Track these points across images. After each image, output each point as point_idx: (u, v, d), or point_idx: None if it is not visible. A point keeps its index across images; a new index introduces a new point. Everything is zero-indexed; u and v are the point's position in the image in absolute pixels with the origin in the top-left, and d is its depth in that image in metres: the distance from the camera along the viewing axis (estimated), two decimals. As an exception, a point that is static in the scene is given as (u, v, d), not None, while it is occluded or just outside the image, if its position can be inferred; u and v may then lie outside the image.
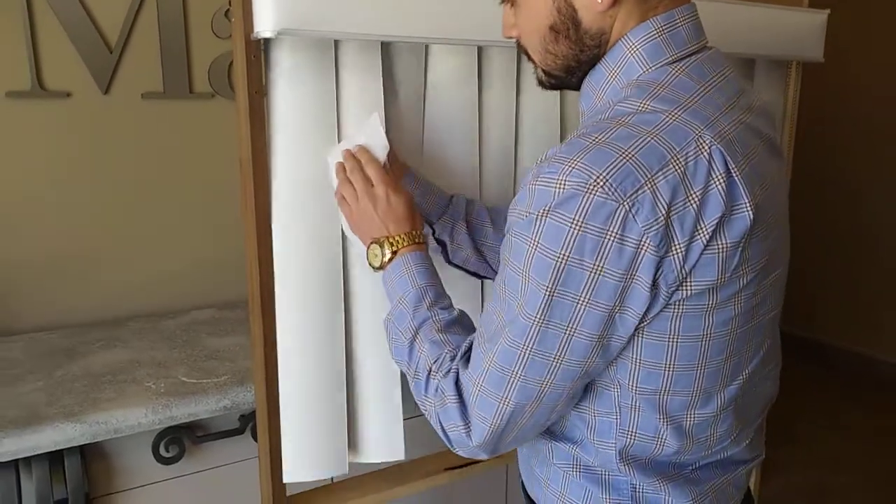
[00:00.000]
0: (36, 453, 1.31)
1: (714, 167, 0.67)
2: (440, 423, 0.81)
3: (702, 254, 0.67)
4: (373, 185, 0.99)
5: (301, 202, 1.06)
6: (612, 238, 0.65)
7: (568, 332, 0.70)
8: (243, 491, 1.49)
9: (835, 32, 1.56)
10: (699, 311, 0.70)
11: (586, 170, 0.65)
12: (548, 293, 0.68)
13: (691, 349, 0.73)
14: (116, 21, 1.80)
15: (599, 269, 0.66)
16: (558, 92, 1.25)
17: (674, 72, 0.74)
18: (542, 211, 0.67)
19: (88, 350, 1.68)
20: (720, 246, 0.68)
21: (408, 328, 0.89)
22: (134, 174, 1.89)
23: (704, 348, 0.73)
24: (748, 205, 0.68)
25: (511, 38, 0.84)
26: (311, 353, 1.12)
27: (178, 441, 1.47)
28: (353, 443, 1.18)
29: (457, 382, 0.79)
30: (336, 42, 1.04)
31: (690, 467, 0.82)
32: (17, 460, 1.33)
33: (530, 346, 0.71)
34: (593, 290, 0.67)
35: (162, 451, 1.45)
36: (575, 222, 0.66)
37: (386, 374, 1.19)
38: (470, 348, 0.82)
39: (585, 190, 0.65)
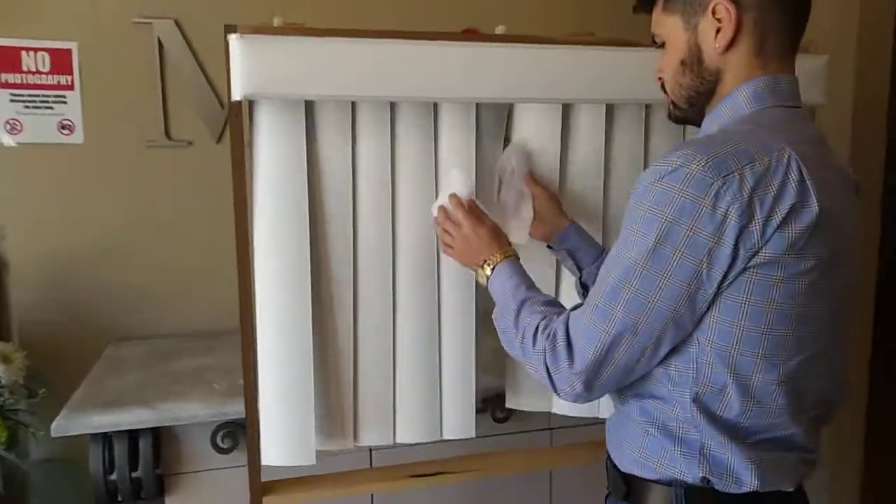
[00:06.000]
0: (116, 429, 1.62)
1: (791, 170, 0.86)
2: (547, 368, 0.96)
3: (775, 231, 0.85)
4: (461, 228, 1.23)
5: (275, 236, 1.28)
6: (706, 205, 0.84)
7: (664, 277, 0.87)
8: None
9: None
10: (768, 280, 0.87)
11: (693, 154, 0.86)
12: (653, 244, 0.87)
13: (759, 314, 0.88)
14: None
15: (693, 228, 0.85)
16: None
17: (769, 110, 0.96)
18: (654, 181, 0.88)
19: (184, 355, 2.01)
20: (790, 228, 0.85)
21: (511, 311, 1.07)
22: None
23: (769, 316, 0.88)
24: (815, 203, 0.86)
25: (659, 80, 1.07)
26: (282, 359, 1.34)
27: (232, 434, 1.72)
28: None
29: (567, 325, 0.95)
30: (312, 104, 1.25)
31: (754, 437, 0.93)
32: (107, 437, 1.65)
33: (634, 285, 0.89)
34: (688, 245, 0.86)
35: (219, 441, 1.72)
36: (678, 190, 0.85)
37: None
38: (578, 306, 0.99)
39: (688, 166, 0.85)
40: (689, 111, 1.04)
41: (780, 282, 0.87)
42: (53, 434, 1.59)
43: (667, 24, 1.02)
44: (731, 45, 0.96)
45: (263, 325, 1.31)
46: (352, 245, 1.32)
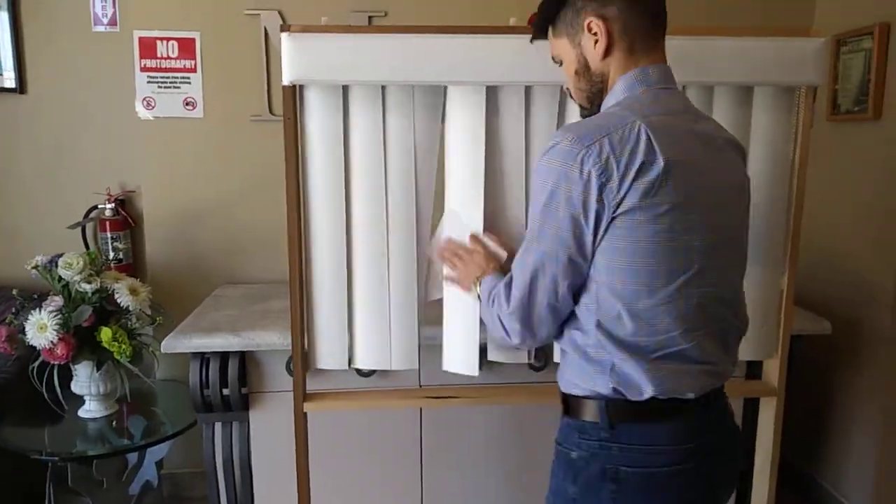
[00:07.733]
0: (210, 350, 2.00)
1: (640, 136, 1.08)
2: (500, 321, 1.24)
3: (631, 184, 1.07)
4: (466, 256, 1.52)
5: (322, 192, 1.58)
6: (574, 170, 1.09)
7: (555, 229, 1.12)
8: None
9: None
10: (633, 224, 1.09)
11: (564, 133, 1.11)
12: (544, 205, 1.13)
13: (630, 251, 1.11)
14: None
15: (569, 188, 1.10)
16: None
17: (637, 94, 1.17)
18: (541, 158, 1.14)
19: (274, 297, 2.38)
20: (641, 181, 1.07)
21: (485, 303, 1.33)
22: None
23: (639, 251, 1.11)
24: (660, 159, 1.08)
25: (567, 90, 1.30)
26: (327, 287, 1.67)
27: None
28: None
29: (505, 283, 1.23)
30: (346, 87, 1.53)
31: (653, 354, 1.14)
32: (204, 358, 2.03)
33: (535, 241, 1.16)
34: (567, 201, 1.10)
35: (291, 367, 2.05)
36: (556, 162, 1.11)
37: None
38: None
39: (561, 143, 1.10)
40: (592, 108, 1.25)
41: (643, 224, 1.09)
42: (163, 350, 1.99)
43: (559, 46, 1.26)
44: (608, 52, 1.19)
45: (312, 268, 1.64)
46: (384, 198, 1.60)
